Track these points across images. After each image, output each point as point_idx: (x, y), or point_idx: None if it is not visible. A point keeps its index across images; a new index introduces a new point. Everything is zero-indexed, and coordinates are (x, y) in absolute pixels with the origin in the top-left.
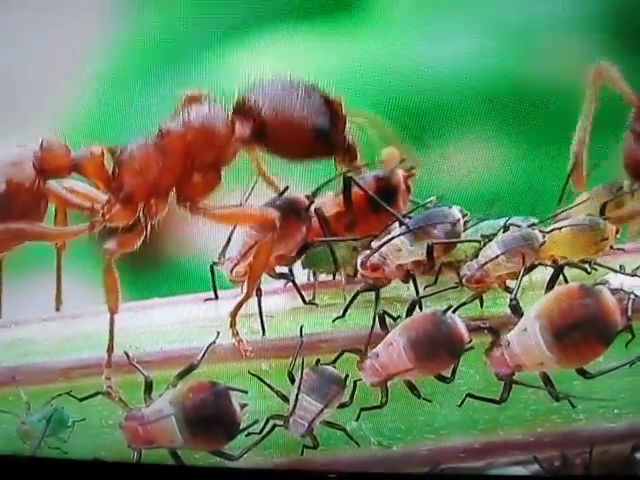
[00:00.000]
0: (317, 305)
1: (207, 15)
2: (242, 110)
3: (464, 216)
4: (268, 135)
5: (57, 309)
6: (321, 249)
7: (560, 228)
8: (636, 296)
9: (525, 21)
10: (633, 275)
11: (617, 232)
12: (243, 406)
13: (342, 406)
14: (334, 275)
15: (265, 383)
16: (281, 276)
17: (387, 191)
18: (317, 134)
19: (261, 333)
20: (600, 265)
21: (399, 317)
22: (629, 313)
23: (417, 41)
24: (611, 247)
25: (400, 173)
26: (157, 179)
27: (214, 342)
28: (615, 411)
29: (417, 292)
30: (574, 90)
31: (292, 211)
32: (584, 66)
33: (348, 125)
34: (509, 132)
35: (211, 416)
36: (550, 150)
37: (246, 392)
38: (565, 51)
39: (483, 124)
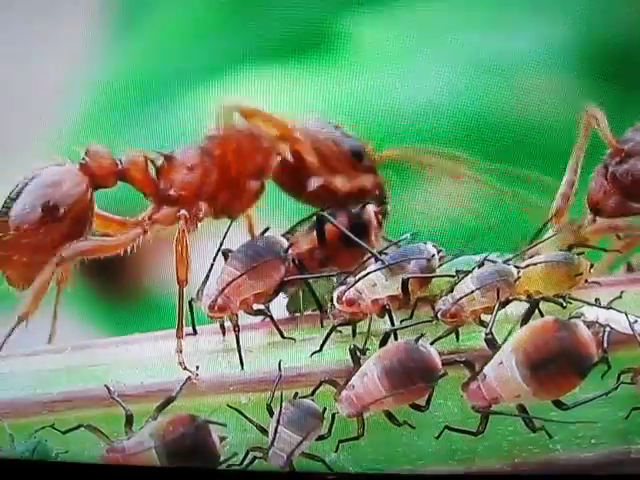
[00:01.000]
0: (295, 340)
1: (183, 54)
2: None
3: (439, 252)
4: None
5: (49, 341)
6: (300, 291)
7: (535, 264)
8: (612, 329)
9: (503, 57)
10: (608, 308)
11: (591, 267)
12: (222, 439)
13: (321, 438)
14: (320, 310)
15: (244, 416)
16: (258, 312)
17: (359, 227)
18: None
19: (240, 367)
20: (575, 299)
21: (367, 350)
22: (605, 345)
23: (391, 79)
24: (586, 281)
25: (371, 209)
26: (200, 185)
27: (195, 375)
28: (592, 441)
29: (393, 325)
30: (553, 127)
31: (272, 251)
32: (564, 103)
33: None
34: (485, 169)
35: (191, 449)
36: (526, 187)
37: (225, 425)
38: (544, 87)
39: (459, 161)
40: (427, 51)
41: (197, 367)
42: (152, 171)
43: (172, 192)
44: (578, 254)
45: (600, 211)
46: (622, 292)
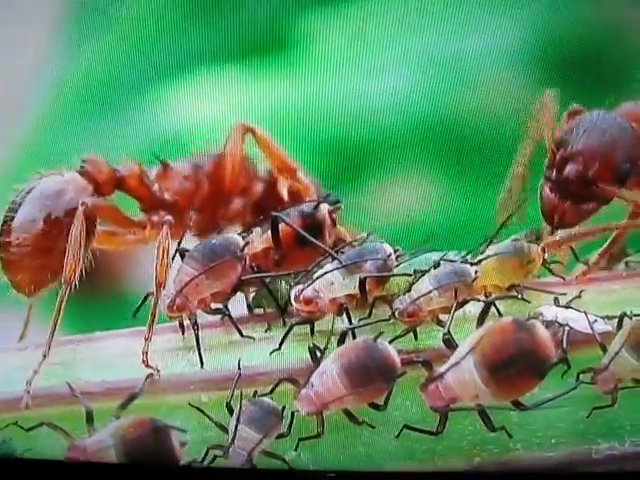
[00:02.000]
0: (254, 338)
1: (143, 56)
2: None
3: (395, 251)
4: None
5: (21, 339)
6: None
7: (486, 257)
8: (571, 328)
9: (460, 55)
10: (567, 307)
11: (543, 251)
12: (183, 444)
13: (280, 436)
14: (282, 309)
15: (205, 414)
16: (217, 311)
17: (313, 226)
18: None
19: (200, 366)
20: (532, 289)
21: (326, 349)
22: (564, 345)
23: (352, 79)
24: (552, 273)
25: (325, 208)
26: (197, 194)
27: (157, 372)
28: (552, 441)
29: (350, 323)
30: (511, 125)
31: (228, 250)
32: (522, 101)
33: None
34: (443, 168)
35: (150, 452)
36: (484, 186)
37: (185, 431)
38: (502, 85)
39: (417, 161)
40: (385, 51)
41: (157, 367)
42: (146, 179)
43: (167, 197)
44: (529, 242)
45: (561, 224)
46: (581, 291)
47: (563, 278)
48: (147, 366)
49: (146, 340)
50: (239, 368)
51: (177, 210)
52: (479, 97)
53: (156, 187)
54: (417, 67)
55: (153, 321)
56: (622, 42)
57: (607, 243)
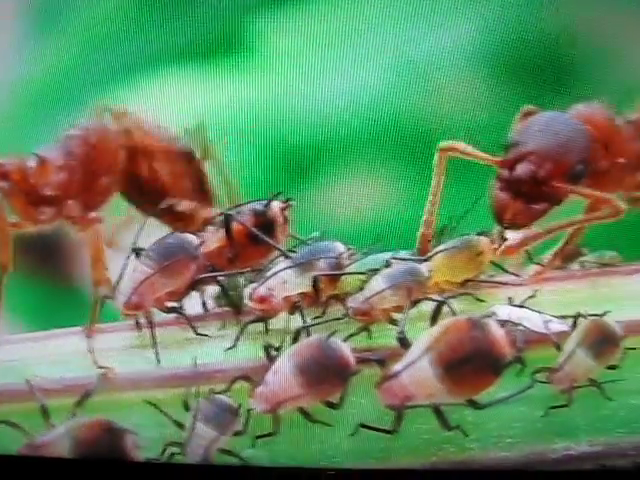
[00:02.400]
0: (209, 336)
1: (96, 58)
2: None
3: (348, 250)
4: None
5: None
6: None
7: (435, 254)
8: (525, 327)
9: (420, 56)
10: (521, 307)
11: (493, 243)
12: (138, 447)
13: (237, 434)
14: (237, 307)
15: (161, 411)
16: (172, 310)
17: (265, 224)
18: None
19: (156, 363)
20: (485, 281)
21: (281, 347)
22: (519, 344)
23: (303, 79)
24: (504, 270)
25: (277, 206)
26: (72, 182)
27: (108, 371)
28: (508, 440)
29: (304, 322)
30: (461, 130)
31: (183, 249)
32: (483, 103)
33: None
34: (395, 168)
35: (104, 454)
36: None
37: (137, 434)
38: (454, 90)
39: (368, 161)
40: (337, 52)
41: (107, 366)
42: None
43: (48, 191)
44: (478, 234)
45: (512, 225)
46: (536, 291)
47: (517, 275)
48: (98, 367)
49: (88, 338)
50: (195, 365)
51: (58, 203)
52: (432, 98)
53: (36, 181)
54: (369, 68)
55: (93, 319)
56: (576, 43)
57: (561, 242)
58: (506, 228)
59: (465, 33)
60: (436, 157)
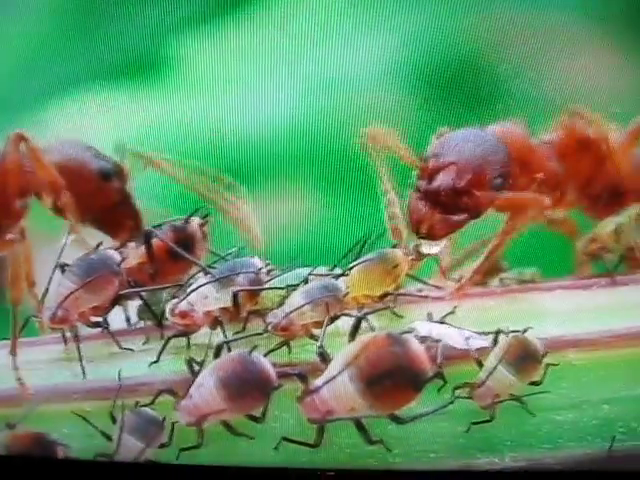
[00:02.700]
0: (133, 350)
1: (18, 76)
2: None
3: (266, 265)
4: None
5: None
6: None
7: (351, 268)
8: (445, 343)
9: (336, 77)
10: (441, 323)
11: (409, 256)
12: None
13: (163, 446)
14: (160, 322)
15: (89, 423)
16: (96, 325)
17: (185, 240)
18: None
19: (82, 376)
20: (405, 294)
21: (204, 362)
22: (439, 360)
23: (226, 98)
24: (424, 282)
25: (195, 222)
26: None
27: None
28: (431, 455)
29: (225, 337)
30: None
31: (106, 265)
32: (393, 124)
33: None
34: (315, 184)
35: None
36: (353, 203)
37: (69, 447)
38: (374, 107)
39: (289, 178)
40: (263, 71)
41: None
42: None
43: None
44: (393, 246)
45: (428, 235)
46: (455, 307)
47: (438, 287)
48: (21, 384)
49: (12, 356)
50: (119, 379)
51: None
52: (352, 115)
53: None
54: (288, 86)
55: (15, 338)
56: (493, 63)
57: (482, 259)
58: (422, 238)
59: (384, 51)
60: (369, 148)
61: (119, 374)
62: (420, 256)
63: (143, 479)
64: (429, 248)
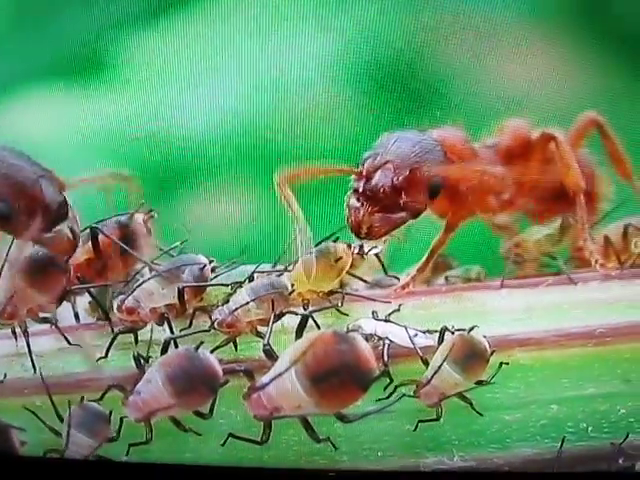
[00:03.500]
0: (81, 346)
1: None
2: None
3: (210, 262)
4: None
5: None
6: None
7: (293, 265)
8: (391, 342)
9: (281, 76)
10: (386, 321)
11: (349, 247)
12: (23, 443)
13: (111, 440)
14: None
15: (39, 419)
16: (45, 320)
17: (129, 235)
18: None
19: (32, 371)
20: (350, 294)
21: (149, 358)
22: (385, 358)
23: (169, 94)
24: (362, 280)
25: (139, 217)
26: None
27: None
28: (379, 453)
29: (172, 333)
30: (322, 146)
31: (52, 262)
32: (336, 124)
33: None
34: (260, 182)
35: None
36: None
37: (24, 430)
38: (318, 109)
39: (235, 175)
40: (208, 70)
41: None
42: None
43: None
44: (334, 241)
45: (369, 234)
46: (400, 305)
47: (380, 286)
48: None
49: None
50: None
51: None
52: (295, 115)
53: None
54: (234, 84)
55: None
56: (435, 66)
57: (425, 256)
58: (363, 239)
59: (325, 52)
60: (282, 190)
61: (68, 369)
62: (362, 255)
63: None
64: (372, 248)
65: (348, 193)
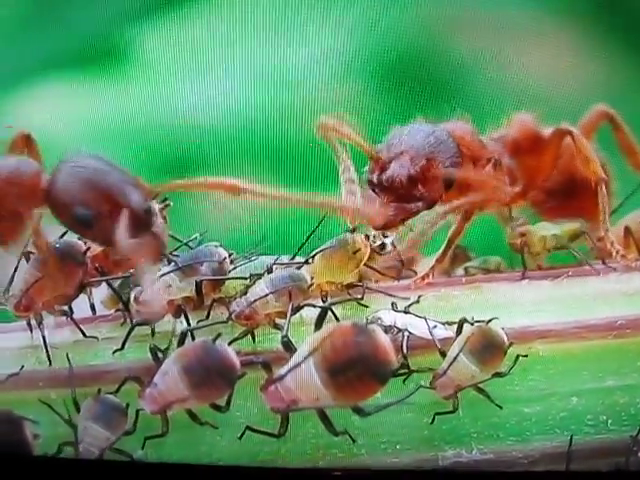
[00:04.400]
0: (98, 338)
1: None
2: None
3: (230, 254)
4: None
5: None
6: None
7: (312, 257)
8: (410, 333)
9: (285, 66)
10: (406, 312)
11: (367, 238)
12: (36, 436)
13: (127, 434)
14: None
15: (55, 411)
16: (61, 313)
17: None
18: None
19: (48, 364)
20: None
21: (167, 349)
22: (404, 350)
23: (180, 85)
24: (380, 273)
25: (155, 206)
26: None
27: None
28: (397, 446)
29: (189, 325)
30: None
31: (70, 255)
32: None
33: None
34: (275, 173)
35: (4, 443)
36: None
37: (37, 422)
38: (325, 98)
39: (247, 165)
40: (216, 63)
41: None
42: None
43: None
44: (351, 232)
45: (385, 224)
46: (420, 297)
47: (396, 279)
48: None
49: None
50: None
51: None
52: (303, 106)
53: None
54: (242, 75)
55: None
56: (446, 58)
57: (442, 246)
58: (378, 230)
59: (337, 44)
60: (322, 137)
61: (85, 362)
62: (379, 251)
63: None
64: (387, 247)
65: (363, 186)
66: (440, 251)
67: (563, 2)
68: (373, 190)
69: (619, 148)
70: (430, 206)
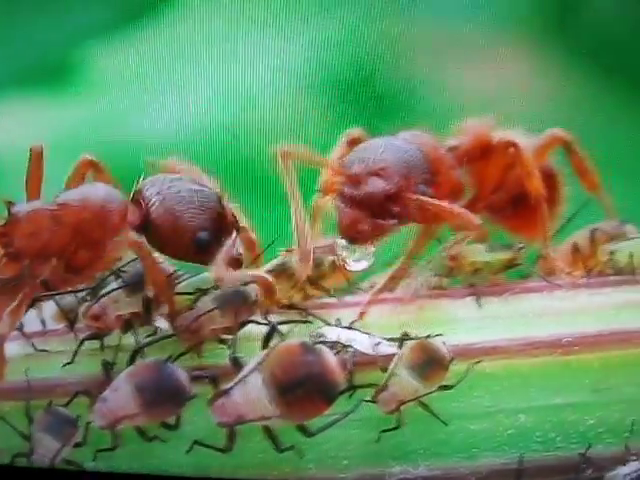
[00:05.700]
0: (48, 351)
1: None
2: (137, 198)
3: (174, 271)
4: (152, 230)
5: None
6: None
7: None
8: (354, 349)
9: (248, 79)
10: (350, 328)
11: (336, 255)
12: None
13: (77, 445)
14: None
15: (8, 423)
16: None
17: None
18: (196, 245)
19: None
20: (314, 316)
21: (114, 364)
22: (349, 366)
23: (136, 101)
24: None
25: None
26: (45, 245)
27: None
28: (345, 462)
29: (137, 341)
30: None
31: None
32: (303, 128)
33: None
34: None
35: None
36: (265, 209)
37: None
38: (284, 111)
39: None
40: (173, 79)
41: None
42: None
43: (14, 247)
44: (288, 252)
45: (358, 239)
46: (363, 313)
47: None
48: None
49: None
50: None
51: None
52: (258, 123)
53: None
54: (199, 93)
55: None
56: (398, 70)
57: (398, 266)
58: (351, 242)
59: (289, 59)
60: (280, 164)
61: (35, 375)
62: (347, 271)
63: None
64: (356, 264)
65: (335, 198)
66: (396, 269)
67: (523, 20)
68: (346, 204)
69: (573, 170)
70: (404, 223)
